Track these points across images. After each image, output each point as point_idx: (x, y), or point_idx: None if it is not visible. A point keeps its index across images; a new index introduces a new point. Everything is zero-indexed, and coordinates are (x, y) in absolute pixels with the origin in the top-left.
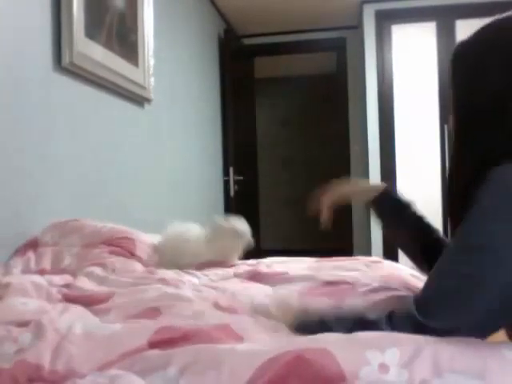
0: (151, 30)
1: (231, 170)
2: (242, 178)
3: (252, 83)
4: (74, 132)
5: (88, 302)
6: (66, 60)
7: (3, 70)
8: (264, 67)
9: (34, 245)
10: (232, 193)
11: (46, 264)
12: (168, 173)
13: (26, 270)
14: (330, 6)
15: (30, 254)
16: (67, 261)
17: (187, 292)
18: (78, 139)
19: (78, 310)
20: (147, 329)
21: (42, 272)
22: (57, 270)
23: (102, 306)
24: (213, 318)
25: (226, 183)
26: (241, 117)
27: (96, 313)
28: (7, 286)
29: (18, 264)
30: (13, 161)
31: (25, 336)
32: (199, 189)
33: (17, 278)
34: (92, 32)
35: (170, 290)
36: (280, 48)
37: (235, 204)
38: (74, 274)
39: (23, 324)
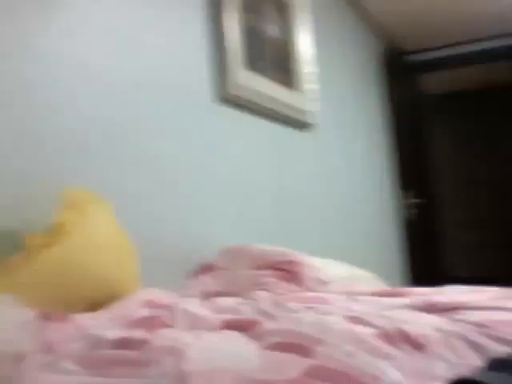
0: (310, 56)
1: (406, 193)
2: (418, 200)
3: (421, 100)
4: (235, 159)
5: (245, 327)
6: (223, 92)
7: (169, 102)
8: (433, 83)
9: (208, 268)
10: (408, 217)
11: (219, 287)
12: (336, 198)
13: (202, 295)
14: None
15: (206, 278)
16: (237, 284)
17: (349, 323)
18: (239, 166)
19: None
20: (295, 364)
21: (214, 294)
22: (227, 292)
23: (256, 331)
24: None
25: (401, 207)
26: (412, 136)
27: (253, 337)
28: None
29: (194, 287)
30: (175, 186)
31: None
32: (370, 214)
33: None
34: (250, 62)
35: (333, 318)
36: (448, 61)
37: (412, 229)
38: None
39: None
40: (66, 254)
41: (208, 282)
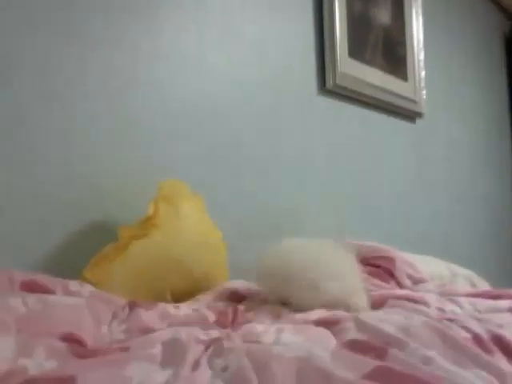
0: (421, 41)
1: None
2: None
3: None
4: (339, 150)
5: (331, 323)
6: (329, 82)
7: (273, 93)
8: None
9: None
10: None
11: None
12: (445, 189)
13: None
14: None
15: None
16: None
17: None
18: (343, 157)
19: (314, 332)
20: (362, 365)
21: None
22: None
23: (341, 325)
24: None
25: None
26: None
27: (334, 333)
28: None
29: None
30: (276, 179)
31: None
32: (482, 206)
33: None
34: (356, 51)
35: (421, 318)
36: None
37: None
38: None
39: None
40: (154, 245)
41: None
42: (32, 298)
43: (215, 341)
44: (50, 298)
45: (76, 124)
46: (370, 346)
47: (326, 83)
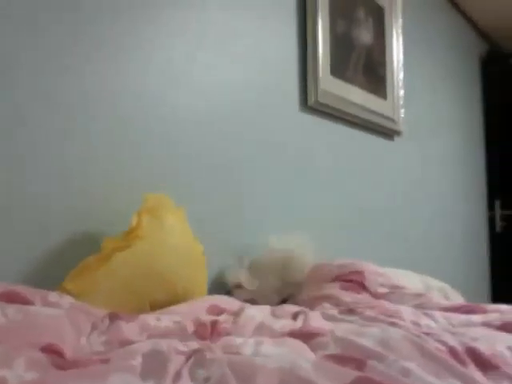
0: (401, 61)
1: (497, 203)
2: (507, 212)
3: None
4: (319, 167)
5: (307, 336)
6: (311, 99)
7: (255, 108)
8: None
9: None
10: (498, 229)
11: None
12: (421, 208)
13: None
14: None
15: None
16: (302, 298)
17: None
18: (323, 174)
19: (292, 344)
20: (343, 375)
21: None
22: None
23: (318, 339)
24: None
25: (491, 219)
26: (508, 144)
27: (312, 347)
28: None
29: None
30: (260, 194)
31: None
32: (457, 225)
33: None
34: (338, 70)
35: (398, 331)
36: None
37: (499, 242)
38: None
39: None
40: (137, 257)
41: None
42: (11, 309)
43: (196, 352)
44: (30, 308)
45: (50, 139)
46: (350, 358)
47: (308, 100)
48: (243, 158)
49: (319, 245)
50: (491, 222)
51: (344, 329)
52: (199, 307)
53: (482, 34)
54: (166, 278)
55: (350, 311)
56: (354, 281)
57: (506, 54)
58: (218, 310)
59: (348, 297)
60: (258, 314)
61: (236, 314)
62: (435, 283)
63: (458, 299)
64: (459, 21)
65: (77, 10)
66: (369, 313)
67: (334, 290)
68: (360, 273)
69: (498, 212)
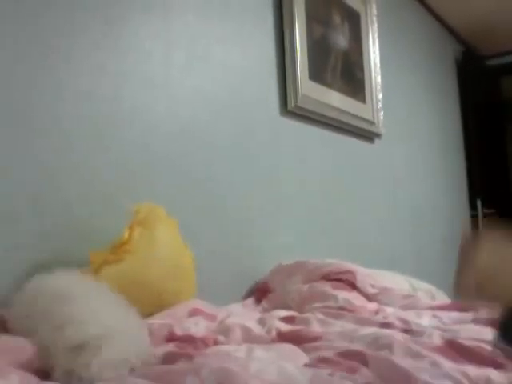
0: (378, 65)
1: (479, 202)
2: (492, 211)
3: (500, 106)
4: (300, 171)
5: (298, 340)
6: (291, 104)
7: (237, 113)
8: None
9: (264, 289)
10: (481, 229)
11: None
12: (403, 209)
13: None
14: None
15: (261, 299)
16: (292, 298)
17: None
18: (305, 178)
19: (285, 349)
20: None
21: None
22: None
23: (309, 344)
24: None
25: (474, 218)
26: (487, 143)
27: (304, 350)
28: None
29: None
30: (243, 199)
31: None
32: (439, 225)
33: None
34: (316, 74)
35: (388, 331)
36: None
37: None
38: (299, 311)
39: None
40: (125, 271)
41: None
42: None
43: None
44: None
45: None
46: (344, 361)
47: (288, 105)
48: (222, 163)
49: (302, 248)
50: (474, 221)
51: (337, 332)
52: (180, 311)
53: (457, 36)
54: (153, 291)
55: (342, 313)
56: (345, 280)
57: (481, 56)
58: (199, 313)
59: (340, 295)
60: (245, 320)
61: (221, 323)
62: (421, 285)
63: (443, 300)
64: (434, 24)
65: (52, 6)
66: (360, 314)
67: (326, 288)
68: (352, 273)
69: (480, 211)
